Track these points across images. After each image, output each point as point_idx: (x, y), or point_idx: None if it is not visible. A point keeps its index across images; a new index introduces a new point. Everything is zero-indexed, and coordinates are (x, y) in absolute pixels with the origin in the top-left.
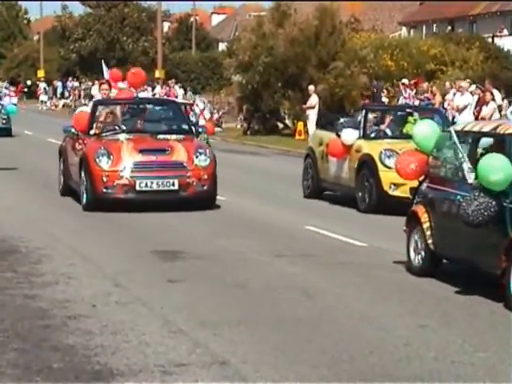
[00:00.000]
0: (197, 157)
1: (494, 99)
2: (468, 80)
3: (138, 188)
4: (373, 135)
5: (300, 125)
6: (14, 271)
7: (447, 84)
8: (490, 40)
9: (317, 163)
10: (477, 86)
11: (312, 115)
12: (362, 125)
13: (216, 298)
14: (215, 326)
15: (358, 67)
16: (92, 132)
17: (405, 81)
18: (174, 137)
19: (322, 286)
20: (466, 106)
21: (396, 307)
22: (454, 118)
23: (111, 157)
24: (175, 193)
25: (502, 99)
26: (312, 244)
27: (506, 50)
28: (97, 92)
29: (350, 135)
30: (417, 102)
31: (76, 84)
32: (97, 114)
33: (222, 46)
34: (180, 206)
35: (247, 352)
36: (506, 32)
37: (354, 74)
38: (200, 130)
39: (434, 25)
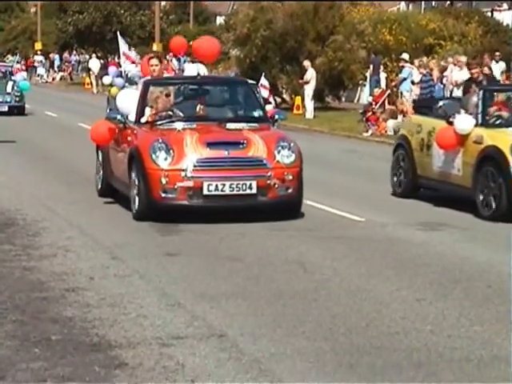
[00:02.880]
0: (279, 151)
1: (492, 74)
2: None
3: (205, 192)
4: (496, 122)
5: (298, 99)
6: (11, 244)
7: (450, 59)
8: (489, 14)
9: (413, 155)
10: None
11: (308, 90)
12: (480, 110)
13: (213, 271)
14: (213, 298)
15: (357, 41)
16: (144, 120)
17: (405, 56)
18: (247, 125)
19: (319, 260)
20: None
21: (393, 281)
22: (451, 92)
23: (171, 152)
24: (253, 197)
25: (501, 73)
26: (310, 218)
27: (505, 24)
28: (95, 64)
29: (466, 123)
30: (417, 78)
31: (73, 57)
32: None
33: (219, 20)
34: (257, 213)
35: (244, 325)
36: (505, 6)
37: (353, 48)
38: (278, 116)
39: None
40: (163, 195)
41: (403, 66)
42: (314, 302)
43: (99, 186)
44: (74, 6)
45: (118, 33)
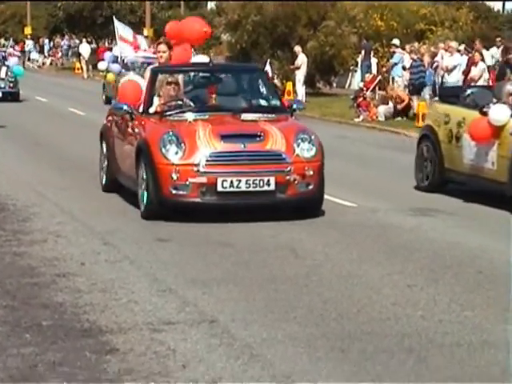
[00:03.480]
0: (298, 144)
1: (483, 60)
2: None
3: (219, 188)
4: None
5: (289, 85)
6: (2, 229)
7: (440, 45)
8: (479, 0)
9: (440, 147)
10: (465, 48)
11: (299, 75)
12: None
13: (205, 256)
14: (204, 284)
15: (348, 27)
16: (152, 110)
17: (396, 41)
18: (263, 116)
19: (311, 246)
20: (455, 67)
21: (384, 266)
22: (442, 78)
23: (182, 145)
24: (271, 194)
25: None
26: None
27: (495, 9)
28: (86, 49)
29: (502, 113)
30: (408, 63)
31: (65, 42)
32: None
33: (211, 5)
34: (274, 211)
35: (236, 310)
36: None
37: (344, 33)
38: (296, 105)
39: None
40: (174, 192)
41: (394, 52)
42: (305, 288)
43: (104, 181)
44: None
45: (114, 17)
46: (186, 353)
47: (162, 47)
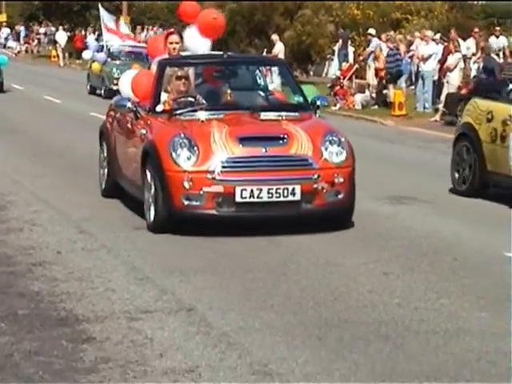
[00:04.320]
0: (326, 148)
1: (458, 49)
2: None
3: (238, 198)
4: None
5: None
6: None
7: (416, 34)
8: None
9: (481, 148)
10: (440, 37)
11: None
12: None
13: (182, 245)
14: (182, 272)
15: (325, 16)
16: (159, 108)
17: (371, 31)
18: (285, 115)
19: (287, 234)
20: (430, 56)
21: (360, 254)
22: (418, 67)
23: (196, 149)
24: (296, 205)
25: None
26: None
27: None
28: (62, 37)
29: None
30: (385, 52)
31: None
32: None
33: None
34: (299, 222)
35: (213, 299)
36: None
37: (321, 22)
38: (320, 101)
39: None
40: (186, 203)
41: (370, 40)
42: (282, 276)
43: (103, 185)
44: None
45: (100, 5)
46: (163, 341)
47: (175, 38)
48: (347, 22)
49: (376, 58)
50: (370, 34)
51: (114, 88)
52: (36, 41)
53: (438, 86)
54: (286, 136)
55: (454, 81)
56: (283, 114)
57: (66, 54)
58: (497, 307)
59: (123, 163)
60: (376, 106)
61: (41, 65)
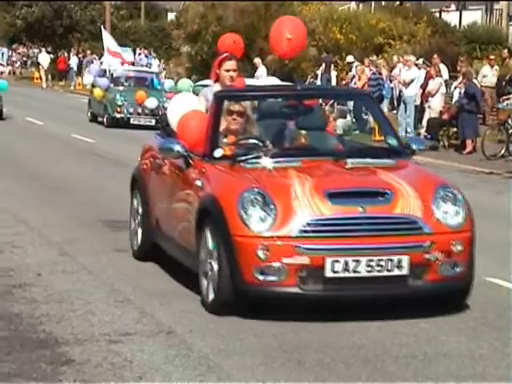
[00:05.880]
0: (439, 206)
1: (440, 74)
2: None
3: (328, 273)
4: None
5: None
6: None
7: (394, 58)
8: (437, 15)
9: None
10: (423, 61)
11: None
12: None
13: (163, 268)
14: (162, 295)
15: (307, 39)
16: (218, 153)
17: (349, 58)
18: (379, 162)
19: None
20: (412, 80)
21: None
22: (400, 91)
23: (272, 208)
24: (402, 281)
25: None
26: None
27: (452, 25)
28: (45, 58)
29: None
30: (366, 75)
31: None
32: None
33: (171, 16)
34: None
35: (193, 321)
36: (452, 7)
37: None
38: (415, 144)
39: None
40: (260, 278)
41: (351, 66)
42: None
43: (137, 245)
44: None
45: (102, 27)
46: (142, 364)
47: (231, 64)
48: (330, 46)
49: (358, 78)
50: (348, 63)
51: (118, 116)
52: (19, 62)
53: (419, 110)
54: (388, 191)
55: (435, 106)
56: (375, 161)
57: (49, 76)
58: (476, 331)
59: (167, 221)
60: (357, 132)
61: (23, 86)
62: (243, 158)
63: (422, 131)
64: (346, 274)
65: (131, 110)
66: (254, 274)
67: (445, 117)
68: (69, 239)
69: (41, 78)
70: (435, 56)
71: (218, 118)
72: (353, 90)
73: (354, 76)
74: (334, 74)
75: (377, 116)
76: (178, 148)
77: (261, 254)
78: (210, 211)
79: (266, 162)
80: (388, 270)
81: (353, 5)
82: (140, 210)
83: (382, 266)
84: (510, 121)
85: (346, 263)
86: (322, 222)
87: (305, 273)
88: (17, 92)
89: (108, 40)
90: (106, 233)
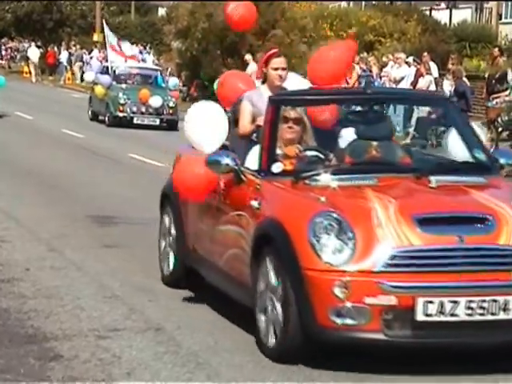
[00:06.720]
0: None
1: (430, 72)
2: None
3: (419, 316)
4: None
5: None
6: None
7: (384, 59)
8: (427, 13)
9: None
10: (414, 59)
11: None
12: None
13: (152, 264)
14: (151, 292)
15: (298, 35)
16: (277, 168)
17: None
18: (469, 180)
19: None
20: (402, 78)
21: None
22: None
23: (351, 235)
24: (508, 327)
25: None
26: None
27: (442, 23)
28: (35, 53)
29: None
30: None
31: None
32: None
33: (161, 12)
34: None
35: (182, 318)
36: (443, 5)
37: (294, 42)
38: (505, 159)
39: None
40: (337, 321)
41: None
42: None
43: (168, 270)
44: None
45: (105, 23)
46: (131, 360)
47: (280, 61)
48: (321, 43)
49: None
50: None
51: (120, 115)
52: (8, 56)
53: (409, 109)
54: (488, 216)
55: None
56: (463, 178)
57: (39, 71)
58: None
59: (209, 245)
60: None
61: (13, 81)
62: (308, 173)
63: (411, 130)
64: (442, 318)
65: (134, 109)
66: (329, 316)
67: (434, 116)
68: (57, 235)
69: (30, 73)
70: (425, 54)
71: (275, 126)
72: (431, 94)
73: None
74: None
75: (458, 125)
76: (227, 161)
77: (338, 292)
78: (273, 238)
79: (326, 178)
80: (492, 314)
81: (343, 4)
82: (173, 231)
83: (484, 308)
84: (499, 119)
85: (442, 304)
86: (411, 253)
87: (391, 315)
88: (6, 86)
89: (110, 36)
90: (94, 228)
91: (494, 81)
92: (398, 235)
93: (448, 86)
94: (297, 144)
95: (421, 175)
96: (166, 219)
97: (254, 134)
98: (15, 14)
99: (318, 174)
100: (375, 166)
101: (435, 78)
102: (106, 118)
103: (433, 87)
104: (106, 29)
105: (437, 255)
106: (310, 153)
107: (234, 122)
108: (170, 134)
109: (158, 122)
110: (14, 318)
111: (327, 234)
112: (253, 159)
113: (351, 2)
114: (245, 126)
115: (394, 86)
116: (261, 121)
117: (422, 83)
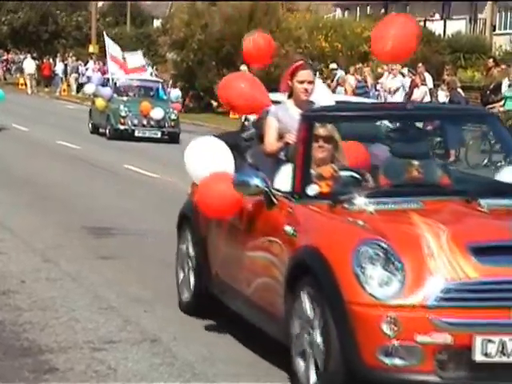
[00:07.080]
0: None
1: (425, 83)
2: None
3: (478, 356)
4: None
5: None
6: None
7: (379, 70)
8: (421, 24)
9: None
10: (409, 70)
11: None
12: None
13: (147, 275)
14: (147, 303)
15: (292, 46)
16: (313, 191)
17: (333, 65)
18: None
19: None
20: (398, 89)
21: None
22: (386, 100)
23: (400, 266)
24: None
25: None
26: None
27: (437, 34)
28: (30, 64)
29: None
30: (353, 83)
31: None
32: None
33: (157, 23)
34: None
35: (177, 329)
36: (437, 16)
37: (289, 53)
38: None
39: (368, 7)
40: (385, 360)
41: (335, 73)
42: None
43: (186, 296)
44: (9, 4)
45: (105, 33)
46: (126, 372)
47: (307, 74)
48: (315, 54)
49: (342, 86)
50: (332, 69)
51: (121, 128)
52: (4, 68)
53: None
54: None
55: None
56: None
57: (34, 82)
58: None
59: (234, 272)
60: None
61: (8, 93)
62: (346, 196)
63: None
64: (503, 359)
65: (136, 122)
66: (376, 355)
67: (429, 126)
68: (53, 246)
69: (25, 84)
70: (420, 65)
71: (309, 145)
72: (476, 111)
73: (338, 84)
74: (319, 81)
75: (507, 142)
76: (256, 181)
77: (386, 329)
78: (311, 268)
79: (372, 202)
80: None
81: (338, 13)
82: (193, 254)
83: None
84: None
85: (503, 344)
86: (468, 287)
87: (445, 355)
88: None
89: (111, 46)
90: (90, 239)
91: (488, 91)
92: (451, 266)
93: (443, 97)
94: (330, 163)
95: (470, 198)
96: (185, 243)
97: (282, 153)
98: (11, 25)
99: (352, 198)
100: (420, 188)
101: (430, 89)
102: (107, 131)
103: (428, 98)
104: (107, 39)
105: (496, 288)
106: (345, 173)
107: (258, 138)
108: (171, 146)
109: (159, 134)
110: (9, 330)
111: (373, 264)
112: (283, 180)
113: (346, 12)
114: (271, 143)
115: (389, 96)
116: (289, 138)
117: (417, 94)
